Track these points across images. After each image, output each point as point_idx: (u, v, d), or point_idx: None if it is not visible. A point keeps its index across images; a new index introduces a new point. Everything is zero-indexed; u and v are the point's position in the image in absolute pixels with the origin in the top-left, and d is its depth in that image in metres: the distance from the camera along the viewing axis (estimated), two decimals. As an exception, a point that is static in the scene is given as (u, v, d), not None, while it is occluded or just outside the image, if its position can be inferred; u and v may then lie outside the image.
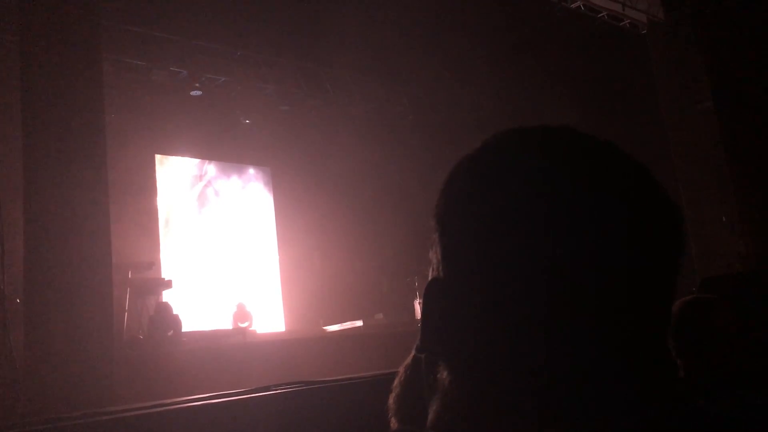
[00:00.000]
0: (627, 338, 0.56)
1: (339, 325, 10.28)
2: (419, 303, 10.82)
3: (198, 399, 3.24)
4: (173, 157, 11.97)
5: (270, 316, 12.14)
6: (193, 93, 11.22)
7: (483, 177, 0.60)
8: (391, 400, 0.77)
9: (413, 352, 0.78)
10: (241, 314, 10.81)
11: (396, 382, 0.77)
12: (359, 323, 10.01)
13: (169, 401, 3.31)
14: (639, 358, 0.56)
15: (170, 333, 8.31)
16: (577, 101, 10.28)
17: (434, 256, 0.62)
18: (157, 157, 11.75)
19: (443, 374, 0.60)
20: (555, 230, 0.55)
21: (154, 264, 10.44)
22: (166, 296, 9.77)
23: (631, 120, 10.32)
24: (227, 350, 8.23)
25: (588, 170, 0.58)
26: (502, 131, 0.63)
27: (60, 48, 6.02)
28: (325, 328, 10.62)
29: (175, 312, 8.64)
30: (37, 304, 5.72)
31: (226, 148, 12.29)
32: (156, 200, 11.55)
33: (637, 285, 0.57)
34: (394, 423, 0.75)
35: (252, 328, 10.61)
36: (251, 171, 13.13)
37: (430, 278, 0.63)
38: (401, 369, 0.78)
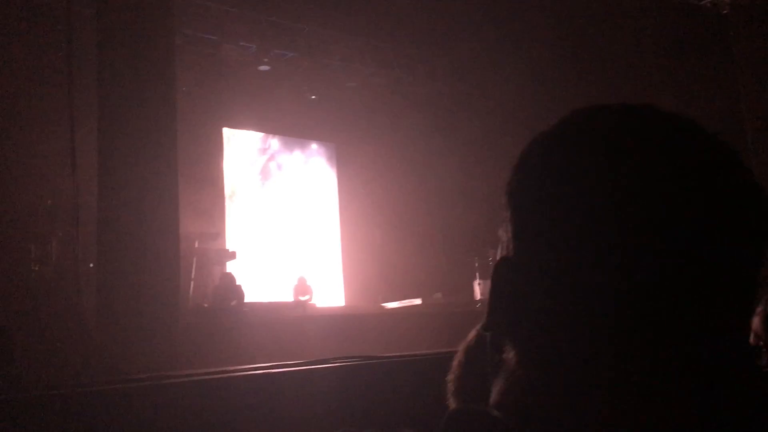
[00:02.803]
0: (703, 329, 0.53)
1: (398, 302, 10.34)
2: (479, 284, 10.76)
3: (258, 368, 3.31)
4: (239, 130, 12.20)
5: (330, 291, 12.32)
6: (261, 68, 11.36)
7: (559, 155, 0.58)
8: (449, 379, 0.76)
9: (475, 332, 0.77)
10: (302, 288, 11.00)
11: (455, 361, 0.75)
12: (418, 301, 10.05)
13: (230, 368, 3.41)
14: (714, 350, 0.54)
15: (233, 303, 8.53)
16: (654, 82, 9.93)
17: (504, 234, 0.61)
18: (225, 130, 12.00)
19: (509, 354, 0.59)
20: (632, 213, 0.53)
21: (219, 235, 10.71)
22: (230, 267, 10.03)
23: (709, 103, 9.91)
24: (287, 322, 8.40)
25: (671, 150, 0.55)
26: (580, 108, 0.61)
27: (135, 21, 6.18)
28: (383, 304, 10.70)
29: (238, 282, 8.86)
30: (108, 270, 5.96)
31: (291, 123, 12.44)
32: (222, 172, 11.81)
33: (717, 274, 0.54)
34: (452, 402, 0.74)
35: (312, 302, 10.79)
36: (314, 146, 13.26)
37: (499, 256, 0.61)
38: (460, 349, 0.77)
